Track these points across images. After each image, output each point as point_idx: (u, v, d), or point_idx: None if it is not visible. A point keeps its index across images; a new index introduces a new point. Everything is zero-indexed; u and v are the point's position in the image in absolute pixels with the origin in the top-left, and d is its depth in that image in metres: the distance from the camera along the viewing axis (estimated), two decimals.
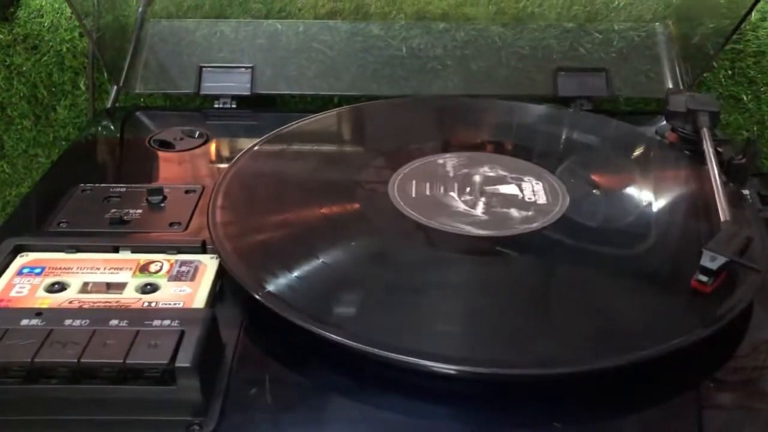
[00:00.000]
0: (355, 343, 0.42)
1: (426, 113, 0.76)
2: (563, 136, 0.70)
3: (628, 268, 0.52)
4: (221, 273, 0.50)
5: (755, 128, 0.92)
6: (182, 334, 0.40)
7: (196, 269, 0.50)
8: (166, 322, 0.41)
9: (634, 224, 0.56)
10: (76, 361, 0.38)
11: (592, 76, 0.83)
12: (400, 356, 0.41)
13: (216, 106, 0.80)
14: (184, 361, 0.38)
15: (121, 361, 0.38)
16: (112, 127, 0.78)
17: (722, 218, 0.52)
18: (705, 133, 0.64)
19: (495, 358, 0.43)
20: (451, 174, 0.61)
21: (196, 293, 0.48)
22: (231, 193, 0.57)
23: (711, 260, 0.46)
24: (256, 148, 0.64)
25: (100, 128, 0.78)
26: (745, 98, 0.92)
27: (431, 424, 0.42)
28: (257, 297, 0.46)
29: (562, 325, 0.46)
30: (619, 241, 0.54)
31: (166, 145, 0.71)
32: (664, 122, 0.70)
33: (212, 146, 0.71)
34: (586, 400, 0.43)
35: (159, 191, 0.59)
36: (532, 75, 0.85)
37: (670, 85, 0.83)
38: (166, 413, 0.40)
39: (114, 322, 0.41)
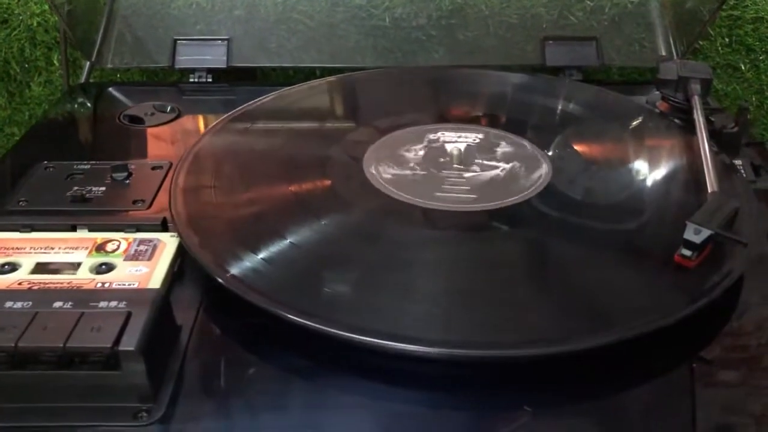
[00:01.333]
0: (322, 327, 0.40)
1: (401, 85, 0.73)
2: (544, 105, 0.67)
3: (609, 242, 0.49)
4: (181, 252, 0.48)
5: (754, 98, 0.89)
6: (128, 316, 0.38)
7: (154, 248, 0.47)
8: (113, 303, 0.39)
9: (619, 196, 0.54)
10: (13, 345, 0.36)
11: (581, 45, 0.79)
12: (372, 339, 0.39)
13: (191, 80, 0.77)
14: (128, 344, 0.36)
15: (61, 345, 0.36)
16: (88, 104, 0.76)
17: (710, 189, 0.49)
18: (696, 100, 0.61)
19: (471, 340, 0.41)
20: (430, 146, 0.59)
21: (153, 273, 0.45)
22: (195, 169, 0.55)
23: (695, 233, 0.44)
24: (223, 123, 0.62)
25: (72, 104, 0.75)
26: (743, 67, 0.89)
27: (395, 408, 0.39)
28: (219, 280, 0.44)
29: (541, 305, 0.44)
30: (601, 214, 0.52)
31: (137, 121, 0.69)
32: (656, 91, 0.67)
33: (183, 121, 0.69)
34: (568, 381, 0.41)
35: (123, 168, 0.57)
36: (521, 45, 0.82)
37: (664, 53, 0.80)
38: (112, 399, 0.37)
39: (58, 304, 0.39)
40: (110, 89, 0.77)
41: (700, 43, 0.87)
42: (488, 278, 0.46)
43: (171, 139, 0.66)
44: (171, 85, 0.78)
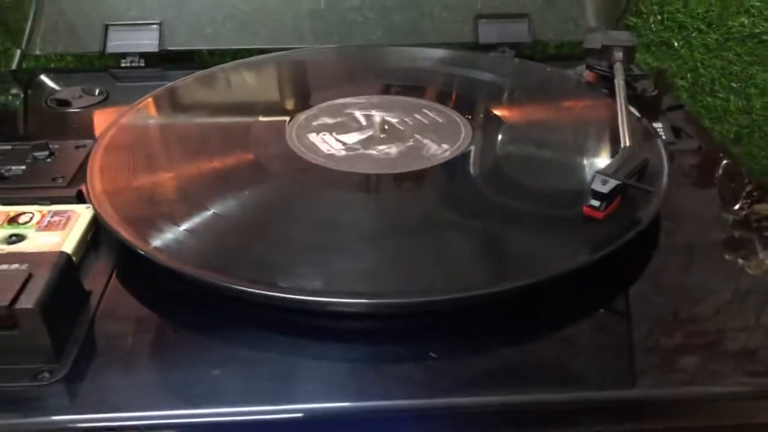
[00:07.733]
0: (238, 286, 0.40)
1: (318, 64, 0.73)
2: (459, 77, 0.68)
3: (524, 200, 0.50)
4: (95, 223, 0.47)
5: (689, 75, 0.91)
6: (29, 276, 0.37)
7: (68, 219, 0.47)
8: (15, 266, 0.38)
9: (536, 159, 0.55)
10: None
11: (513, 23, 0.80)
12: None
13: (123, 65, 0.77)
14: (26, 303, 0.36)
15: None
16: (16, 90, 0.75)
17: (623, 145, 0.50)
18: (618, 67, 0.62)
19: (385, 290, 0.41)
20: (352, 118, 0.59)
21: (65, 242, 0.45)
22: (113, 144, 0.55)
23: (602, 183, 0.44)
24: (145, 102, 0.61)
25: (1, 91, 0.74)
26: (676, 44, 0.90)
27: (313, 365, 0.40)
28: (122, 236, 0.44)
29: (448, 255, 0.44)
30: (517, 175, 0.52)
31: (65, 104, 0.68)
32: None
33: (111, 104, 0.68)
34: (474, 333, 0.41)
35: (44, 146, 0.56)
36: (457, 24, 0.82)
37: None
38: (13, 360, 0.37)
39: None
40: (41, 76, 0.76)
41: (633, 20, 0.89)
42: (402, 232, 0.47)
43: (98, 120, 0.66)
44: (102, 70, 0.78)
